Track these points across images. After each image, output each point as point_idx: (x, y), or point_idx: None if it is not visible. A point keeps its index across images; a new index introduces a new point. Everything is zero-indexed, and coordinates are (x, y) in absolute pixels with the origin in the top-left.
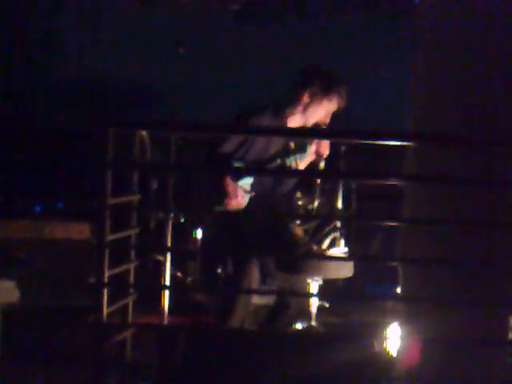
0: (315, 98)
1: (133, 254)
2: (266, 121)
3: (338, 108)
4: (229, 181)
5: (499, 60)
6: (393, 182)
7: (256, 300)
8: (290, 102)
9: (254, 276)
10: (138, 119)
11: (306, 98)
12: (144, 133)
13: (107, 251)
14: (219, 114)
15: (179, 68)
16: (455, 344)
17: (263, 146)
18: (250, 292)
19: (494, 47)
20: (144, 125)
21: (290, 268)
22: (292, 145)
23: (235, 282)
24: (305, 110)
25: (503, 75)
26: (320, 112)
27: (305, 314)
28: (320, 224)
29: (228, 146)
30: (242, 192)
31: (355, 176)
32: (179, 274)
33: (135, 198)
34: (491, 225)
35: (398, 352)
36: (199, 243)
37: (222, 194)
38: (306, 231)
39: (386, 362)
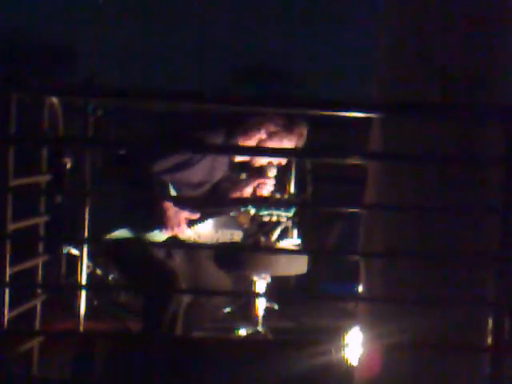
0: (274, 136)
1: (41, 246)
2: (218, 141)
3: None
4: (167, 205)
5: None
6: (355, 160)
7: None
8: (245, 131)
9: (178, 271)
10: (46, 82)
11: (262, 134)
12: (55, 100)
13: (9, 243)
14: (145, 78)
15: (99, 23)
16: (424, 351)
17: (207, 170)
18: (182, 292)
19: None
20: (53, 89)
21: (231, 264)
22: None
23: (165, 280)
24: (259, 144)
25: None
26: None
27: (217, 318)
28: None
29: (163, 164)
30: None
31: (312, 154)
32: (98, 270)
33: (43, 179)
34: (468, 211)
35: (359, 361)
36: None
37: (159, 219)
38: (252, 220)
39: (345, 372)
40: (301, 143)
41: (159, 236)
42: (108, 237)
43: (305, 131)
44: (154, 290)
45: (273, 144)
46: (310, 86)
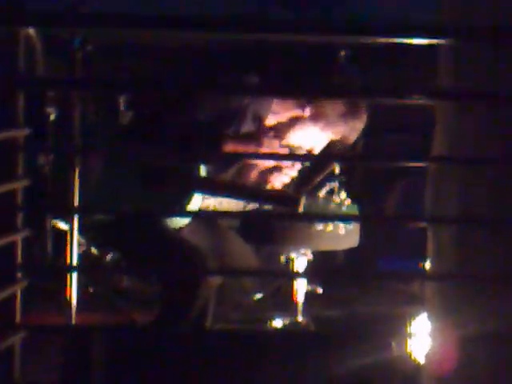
0: (320, 119)
1: (20, 219)
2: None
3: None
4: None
5: None
6: (420, 99)
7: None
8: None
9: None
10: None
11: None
12: (32, 31)
13: None
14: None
15: None
16: (509, 344)
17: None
18: (208, 272)
19: None
20: (30, 19)
21: (262, 236)
22: None
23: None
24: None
25: None
26: None
27: (246, 306)
28: (309, 168)
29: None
30: None
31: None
32: (94, 249)
33: (22, 133)
34: None
35: (427, 356)
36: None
37: None
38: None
39: (409, 371)
40: (352, 138)
41: (175, 220)
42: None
43: (361, 126)
44: (171, 272)
45: (311, 130)
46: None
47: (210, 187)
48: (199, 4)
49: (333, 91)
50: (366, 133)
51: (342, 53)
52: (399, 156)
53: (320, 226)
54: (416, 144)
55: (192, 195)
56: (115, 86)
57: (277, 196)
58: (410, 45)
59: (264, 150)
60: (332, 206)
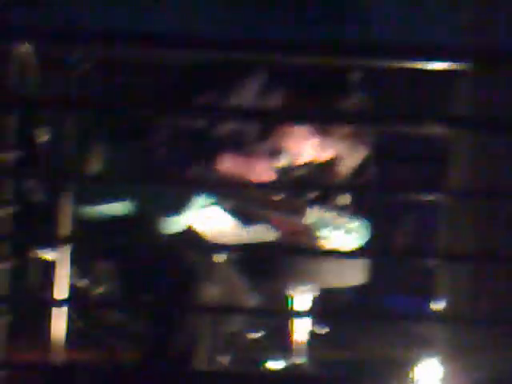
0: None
1: (5, 249)
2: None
3: None
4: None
5: None
6: (433, 129)
7: None
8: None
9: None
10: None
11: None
12: (25, 48)
13: None
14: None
15: None
16: None
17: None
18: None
19: None
20: (23, 34)
21: (260, 271)
22: None
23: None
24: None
25: None
26: None
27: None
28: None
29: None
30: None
31: (376, 120)
32: (82, 281)
33: (10, 156)
34: None
35: None
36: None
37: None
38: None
39: None
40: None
41: (177, 222)
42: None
43: (364, 151)
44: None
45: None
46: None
47: (216, 189)
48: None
49: (343, 117)
50: (377, 161)
51: (354, 75)
52: (412, 187)
53: (324, 234)
54: (430, 175)
55: (195, 196)
56: (110, 108)
57: (283, 205)
58: (427, 70)
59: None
60: (342, 220)
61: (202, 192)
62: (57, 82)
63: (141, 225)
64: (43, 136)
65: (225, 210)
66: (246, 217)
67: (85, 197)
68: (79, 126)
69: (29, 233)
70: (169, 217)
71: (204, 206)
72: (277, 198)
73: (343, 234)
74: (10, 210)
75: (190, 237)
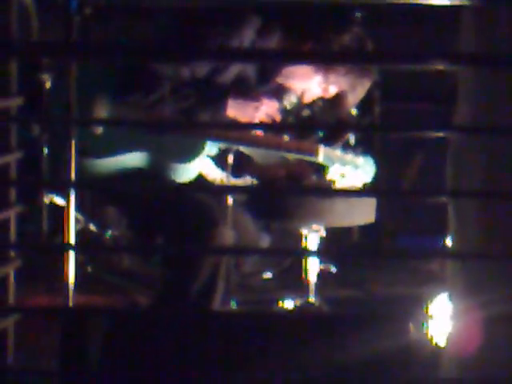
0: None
1: (13, 194)
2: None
3: None
4: None
5: None
6: (440, 66)
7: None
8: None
9: (227, 232)
10: None
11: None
12: None
13: None
14: None
15: None
16: None
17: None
18: (221, 252)
19: None
20: None
21: (271, 212)
22: None
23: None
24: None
25: None
26: None
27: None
28: (322, 139)
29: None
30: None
31: (380, 59)
32: (92, 226)
33: (14, 102)
34: None
35: (448, 339)
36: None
37: None
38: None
39: (429, 355)
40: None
41: (188, 169)
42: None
43: (368, 84)
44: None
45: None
46: None
47: (227, 135)
48: None
49: (346, 56)
50: (384, 100)
51: (357, 14)
52: (420, 126)
53: (336, 175)
54: (437, 113)
55: (205, 142)
56: (114, 52)
57: (295, 145)
58: (431, 6)
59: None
60: (348, 157)
61: (209, 138)
62: (58, 27)
63: (150, 171)
64: (47, 82)
65: (233, 154)
66: (256, 158)
67: (92, 145)
68: (83, 73)
69: (36, 178)
70: (179, 164)
71: (213, 151)
72: (286, 138)
73: (350, 170)
74: (16, 155)
75: (199, 180)
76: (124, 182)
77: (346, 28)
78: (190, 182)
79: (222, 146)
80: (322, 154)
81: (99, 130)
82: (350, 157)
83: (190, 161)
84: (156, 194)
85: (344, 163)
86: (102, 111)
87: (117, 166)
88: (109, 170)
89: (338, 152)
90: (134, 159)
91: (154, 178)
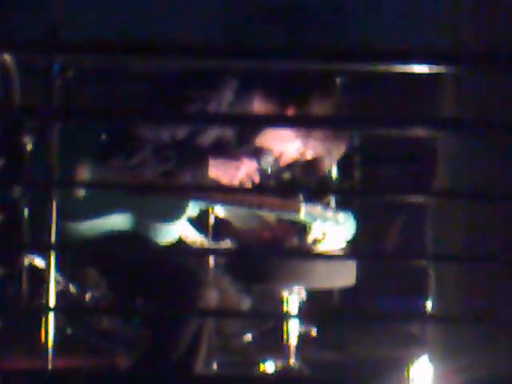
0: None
1: None
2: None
3: None
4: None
5: None
6: (419, 131)
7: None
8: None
9: (211, 304)
10: None
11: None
12: (7, 57)
13: None
14: (127, 28)
15: None
16: None
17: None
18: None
19: None
20: (5, 44)
21: (252, 274)
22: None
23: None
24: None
25: None
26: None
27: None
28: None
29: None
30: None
31: (359, 123)
32: (73, 287)
33: None
34: None
35: None
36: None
37: None
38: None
39: None
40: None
41: (170, 230)
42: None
43: (343, 149)
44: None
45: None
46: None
47: (210, 195)
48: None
49: (325, 121)
50: (365, 164)
51: (337, 79)
52: (400, 189)
53: (318, 233)
54: (417, 177)
55: (188, 203)
56: (95, 116)
57: (277, 203)
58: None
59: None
60: (329, 213)
61: (190, 199)
62: (40, 90)
63: (132, 232)
64: (29, 144)
65: (214, 216)
66: (235, 221)
67: (74, 208)
68: (64, 135)
69: (17, 240)
70: (161, 225)
71: (195, 212)
72: (267, 197)
73: (332, 226)
74: None
75: (180, 243)
76: (105, 244)
77: (327, 93)
78: (172, 244)
79: (203, 206)
80: (304, 211)
81: (81, 192)
82: (330, 213)
83: (172, 221)
84: (137, 256)
85: (325, 219)
86: (84, 173)
87: (98, 227)
88: (90, 232)
89: (319, 209)
90: (115, 221)
91: (135, 239)
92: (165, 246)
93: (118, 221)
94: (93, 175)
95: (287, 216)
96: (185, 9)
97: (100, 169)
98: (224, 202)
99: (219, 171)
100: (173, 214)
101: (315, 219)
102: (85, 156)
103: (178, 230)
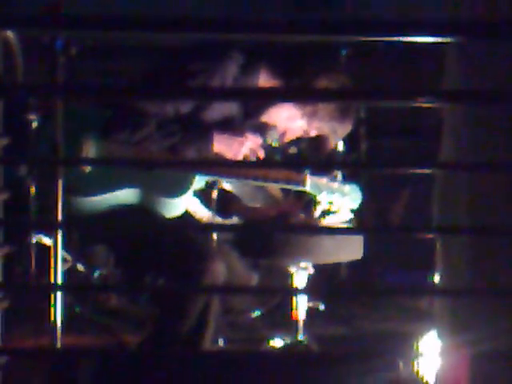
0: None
1: (0, 234)
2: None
3: None
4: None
5: None
6: (425, 103)
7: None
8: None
9: (219, 277)
10: None
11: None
12: (10, 34)
13: None
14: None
15: None
16: None
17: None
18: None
19: None
20: (8, 20)
21: (259, 250)
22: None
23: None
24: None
25: None
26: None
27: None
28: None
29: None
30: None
31: (366, 95)
32: (80, 266)
33: (1, 142)
34: None
35: (437, 377)
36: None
37: None
38: (286, 191)
39: None
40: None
41: (176, 204)
42: (94, 203)
43: (349, 126)
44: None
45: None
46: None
47: (215, 168)
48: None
49: (331, 94)
50: (370, 137)
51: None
52: (405, 162)
53: (324, 206)
54: (422, 149)
55: (194, 177)
56: (99, 93)
57: (283, 175)
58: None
59: (248, 138)
60: (335, 185)
61: (196, 173)
62: (44, 67)
63: (139, 207)
64: (33, 122)
65: (222, 192)
66: (244, 197)
67: (81, 183)
68: (70, 110)
69: (23, 219)
70: (167, 199)
71: (201, 185)
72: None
73: (338, 197)
74: (4, 195)
75: (187, 218)
76: (112, 221)
77: (332, 66)
78: (179, 218)
79: (210, 179)
80: (309, 183)
81: (87, 168)
82: (336, 185)
83: (178, 196)
84: (144, 231)
85: (331, 191)
86: (89, 149)
87: (105, 203)
88: (97, 208)
89: (324, 180)
90: (122, 196)
91: (142, 213)
92: (172, 220)
93: (125, 195)
94: (99, 150)
95: (293, 188)
96: None
97: (106, 143)
98: (229, 175)
99: (223, 146)
100: (179, 188)
101: (321, 191)
102: (90, 131)
103: (185, 205)
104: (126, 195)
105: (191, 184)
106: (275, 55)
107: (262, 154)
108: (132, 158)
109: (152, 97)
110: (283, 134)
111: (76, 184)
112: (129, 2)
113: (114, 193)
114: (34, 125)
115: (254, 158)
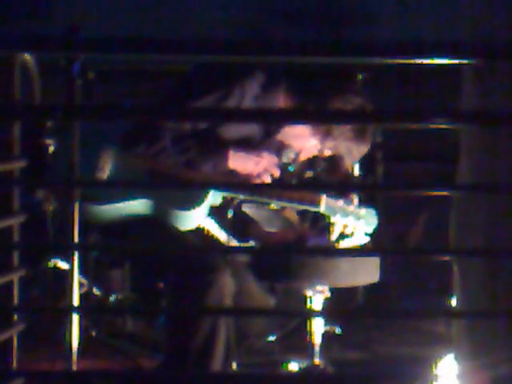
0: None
1: (16, 258)
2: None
3: None
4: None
5: None
6: (441, 124)
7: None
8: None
9: (227, 289)
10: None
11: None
12: (28, 57)
13: None
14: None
15: None
16: None
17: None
18: (220, 312)
19: None
20: (26, 43)
21: (275, 273)
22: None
23: (197, 298)
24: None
25: None
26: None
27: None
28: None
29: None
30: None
31: (381, 118)
32: (96, 290)
33: (18, 165)
34: None
35: None
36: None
37: None
38: (302, 216)
39: None
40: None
41: (190, 217)
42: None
43: (365, 149)
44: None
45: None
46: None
47: (230, 185)
48: (201, 26)
49: (348, 116)
50: (388, 160)
51: (359, 75)
52: (423, 185)
53: (339, 227)
54: (440, 172)
55: (208, 192)
56: (115, 114)
57: (298, 196)
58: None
59: (264, 158)
60: (351, 208)
61: (213, 187)
62: (60, 90)
63: (152, 218)
64: (50, 146)
65: (237, 217)
66: (261, 221)
67: (97, 192)
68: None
69: (39, 242)
70: (181, 211)
71: (217, 201)
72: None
73: (353, 220)
74: (20, 219)
75: (203, 239)
76: (125, 234)
77: (349, 88)
78: (192, 231)
79: (227, 195)
80: (325, 205)
81: (104, 175)
82: (352, 207)
83: (191, 208)
84: (158, 246)
85: (346, 214)
86: (108, 161)
87: (118, 212)
88: (110, 216)
89: (340, 203)
90: (135, 206)
91: (155, 227)
92: (185, 234)
93: (138, 205)
94: (116, 163)
95: (307, 208)
96: (205, 3)
97: (123, 157)
98: (243, 193)
99: (239, 163)
100: (192, 201)
101: (335, 213)
102: (108, 144)
103: (199, 219)
104: (139, 205)
105: (205, 197)
106: (295, 75)
107: (277, 173)
108: (148, 178)
109: (168, 118)
110: (298, 154)
111: (91, 192)
112: (144, 24)
113: (128, 202)
114: (51, 149)
115: (269, 177)
